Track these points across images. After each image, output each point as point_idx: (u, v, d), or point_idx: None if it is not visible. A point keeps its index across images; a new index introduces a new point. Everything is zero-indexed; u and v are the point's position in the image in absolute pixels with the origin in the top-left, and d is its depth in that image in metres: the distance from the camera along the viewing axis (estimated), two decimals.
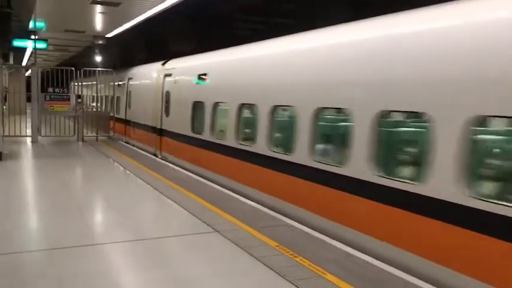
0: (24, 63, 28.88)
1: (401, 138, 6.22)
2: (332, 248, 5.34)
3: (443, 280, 4.45)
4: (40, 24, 15.10)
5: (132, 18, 13.73)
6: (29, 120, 16.06)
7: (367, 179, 5.46)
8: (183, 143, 11.19)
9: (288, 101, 7.34)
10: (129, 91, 16.51)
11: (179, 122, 11.48)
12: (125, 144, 15.84)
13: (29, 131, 15.61)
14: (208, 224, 6.12)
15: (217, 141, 9.42)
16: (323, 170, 6.28)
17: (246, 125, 8.78)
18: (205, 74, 10.27)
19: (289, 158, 7.06)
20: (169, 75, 12.43)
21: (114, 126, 17.55)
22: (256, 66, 8.60)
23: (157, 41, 24.06)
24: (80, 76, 16.51)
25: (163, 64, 13.31)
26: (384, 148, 5.58)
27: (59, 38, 19.47)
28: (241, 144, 8.47)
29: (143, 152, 13.47)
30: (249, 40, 9.31)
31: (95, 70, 17.79)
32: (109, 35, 17.62)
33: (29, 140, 15.28)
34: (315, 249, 5.25)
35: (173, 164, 11.25)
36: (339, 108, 6.43)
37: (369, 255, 5.08)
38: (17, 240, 5.52)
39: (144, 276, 4.53)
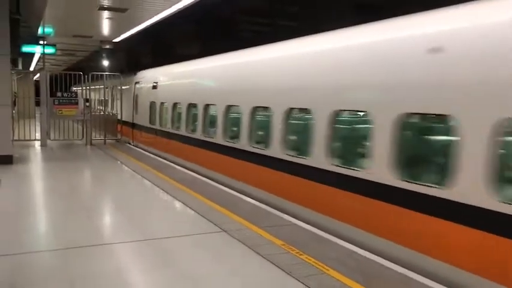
0: (32, 68, 29.21)
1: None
2: (335, 246, 5.47)
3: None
4: (48, 30, 15.34)
5: (139, 23, 13.92)
6: (38, 124, 16.29)
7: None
8: (145, 132, 15.52)
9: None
10: (136, 94, 16.83)
11: (142, 116, 15.86)
12: (132, 147, 16.04)
13: (38, 135, 15.84)
14: (215, 224, 6.27)
15: (162, 129, 13.72)
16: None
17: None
18: (156, 82, 14.64)
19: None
20: (138, 82, 16.79)
21: (121, 130, 17.77)
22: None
23: (164, 44, 24.29)
24: (88, 80, 16.77)
25: (135, 74, 17.51)
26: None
27: (66, 43, 19.72)
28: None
29: (149, 154, 13.67)
30: (253, 42, 9.51)
31: (103, 74, 18.03)
32: (116, 40, 17.84)
33: (38, 143, 15.51)
34: (318, 247, 5.39)
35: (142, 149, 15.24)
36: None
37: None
38: (27, 241, 5.68)
39: (154, 276, 4.66)
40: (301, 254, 5.13)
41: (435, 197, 4.75)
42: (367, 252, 5.23)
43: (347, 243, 5.53)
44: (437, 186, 4.81)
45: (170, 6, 11.12)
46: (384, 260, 5.01)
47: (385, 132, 5.37)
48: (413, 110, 5.18)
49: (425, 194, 4.85)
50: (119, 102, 18.26)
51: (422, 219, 4.88)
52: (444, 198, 4.64)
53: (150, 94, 15.00)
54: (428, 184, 4.90)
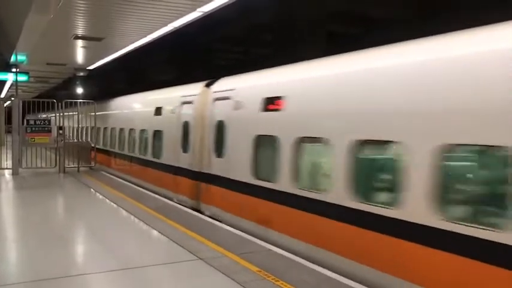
0: (3, 95, 28.81)
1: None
2: (311, 271, 5.55)
3: None
4: (22, 57, 15.25)
5: (115, 52, 14.00)
6: (9, 152, 16.02)
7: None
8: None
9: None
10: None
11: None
12: (107, 174, 15.89)
13: (9, 163, 15.56)
14: (191, 252, 6.28)
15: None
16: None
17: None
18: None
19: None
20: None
21: (95, 157, 17.62)
22: None
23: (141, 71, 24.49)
24: (61, 107, 16.68)
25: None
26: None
27: (40, 71, 19.59)
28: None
29: (123, 182, 13.57)
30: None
31: (76, 102, 17.95)
32: (90, 67, 17.84)
33: (8, 172, 15.22)
34: (295, 273, 5.46)
35: None
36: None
37: None
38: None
39: None
40: (277, 281, 5.20)
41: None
42: (345, 278, 5.31)
43: (324, 269, 5.61)
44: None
45: (145, 36, 11.26)
46: (361, 286, 5.10)
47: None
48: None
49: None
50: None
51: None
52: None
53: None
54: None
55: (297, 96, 7.08)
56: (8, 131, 18.09)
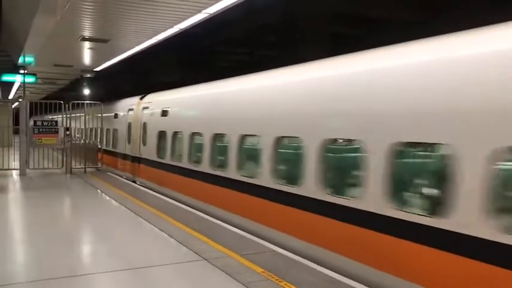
0: (11, 96, 29.03)
1: None
2: (315, 272, 5.57)
3: None
4: (29, 59, 15.39)
5: (121, 53, 14.09)
6: (16, 153, 16.16)
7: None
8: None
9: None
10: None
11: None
12: (112, 175, 15.98)
13: (16, 164, 15.70)
14: (196, 252, 6.32)
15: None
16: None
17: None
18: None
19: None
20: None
21: (102, 158, 17.74)
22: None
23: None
24: (68, 109, 16.80)
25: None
26: None
27: (47, 72, 19.74)
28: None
29: (129, 182, 13.66)
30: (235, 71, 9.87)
31: (83, 103, 18.09)
32: (97, 69, 17.96)
33: (16, 173, 15.35)
34: (298, 274, 5.49)
35: None
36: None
37: None
38: (6, 273, 5.64)
39: None
40: (280, 281, 5.22)
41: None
42: (349, 280, 5.33)
43: (328, 270, 5.63)
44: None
45: (151, 37, 11.33)
46: (365, 287, 5.12)
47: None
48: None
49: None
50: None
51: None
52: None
53: None
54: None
55: (174, 108, 12.10)
56: (16, 132, 18.23)
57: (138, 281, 5.35)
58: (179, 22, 9.61)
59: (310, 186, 6.47)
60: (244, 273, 5.49)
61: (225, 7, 8.33)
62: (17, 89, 25.80)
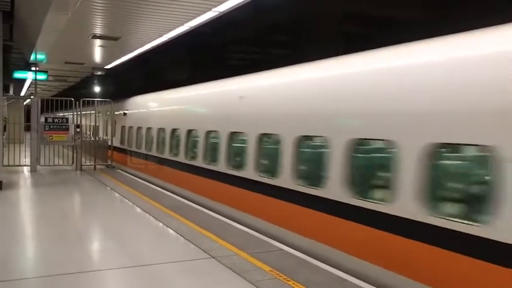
0: (23, 93, 29.28)
1: None
2: (323, 272, 5.55)
3: None
4: (41, 56, 15.50)
5: (132, 51, 14.14)
6: (27, 149, 16.29)
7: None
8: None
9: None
10: None
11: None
12: (122, 172, 16.06)
13: (27, 160, 15.83)
14: (204, 250, 6.33)
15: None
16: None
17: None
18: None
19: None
20: None
21: (112, 155, 17.85)
22: None
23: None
24: (79, 106, 16.91)
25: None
26: None
27: (58, 69, 19.88)
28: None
29: (139, 180, 13.72)
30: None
31: (94, 100, 18.19)
32: (108, 66, 18.05)
33: (27, 169, 15.48)
34: (306, 273, 5.47)
35: None
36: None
37: None
38: (17, 268, 5.71)
39: None
40: (288, 280, 5.20)
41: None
42: (357, 280, 5.29)
43: (336, 270, 5.60)
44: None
45: (162, 35, 11.35)
46: (372, 287, 5.08)
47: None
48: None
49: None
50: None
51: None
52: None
53: None
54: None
55: (131, 110, 16.61)
56: (27, 129, 18.39)
57: (147, 277, 5.36)
58: (190, 20, 9.61)
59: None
60: (253, 271, 5.49)
61: (235, 5, 8.32)
62: (29, 86, 26.03)
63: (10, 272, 5.44)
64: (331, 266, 5.76)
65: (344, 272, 5.53)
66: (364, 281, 5.24)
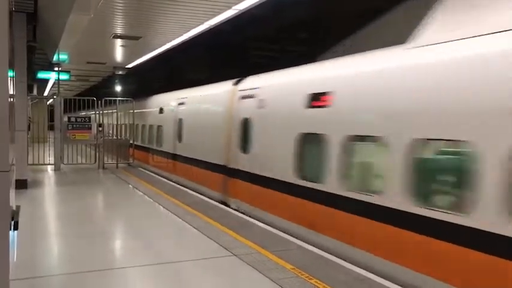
0: (46, 93, 29.79)
1: None
2: (345, 270, 5.52)
3: None
4: (63, 56, 15.73)
5: (152, 50, 14.26)
6: (51, 148, 16.58)
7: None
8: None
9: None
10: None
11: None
12: (144, 170, 16.23)
13: (51, 159, 16.11)
14: (226, 248, 6.36)
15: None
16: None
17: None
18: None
19: None
20: None
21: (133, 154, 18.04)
22: None
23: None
24: (101, 105, 17.14)
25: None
26: None
27: (80, 69, 20.17)
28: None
29: (159, 177, 13.85)
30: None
31: (115, 99, 18.41)
32: (129, 66, 18.24)
33: (51, 168, 15.76)
34: (328, 271, 5.45)
35: None
36: None
37: None
38: (43, 265, 5.82)
39: None
40: (310, 278, 5.19)
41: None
42: (379, 278, 5.26)
43: (358, 268, 5.57)
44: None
45: (182, 34, 11.41)
46: (396, 286, 5.04)
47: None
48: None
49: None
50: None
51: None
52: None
53: None
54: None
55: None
56: (51, 128, 18.72)
57: (170, 275, 5.41)
58: (210, 18, 9.64)
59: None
60: (274, 269, 5.49)
61: (255, 3, 8.31)
62: (52, 86, 26.46)
63: (37, 269, 5.55)
64: (352, 264, 5.73)
65: (365, 269, 5.50)
66: (386, 279, 5.19)
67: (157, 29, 11.11)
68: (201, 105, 12.83)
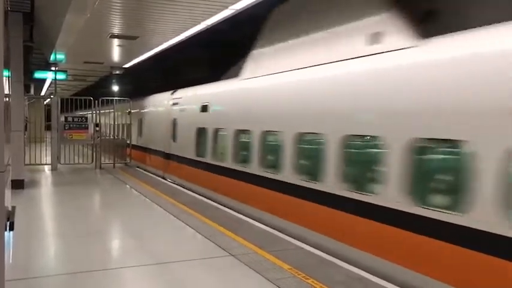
0: (43, 93, 29.70)
1: None
2: (342, 270, 5.52)
3: None
4: (60, 56, 15.69)
5: (149, 50, 14.23)
6: (48, 148, 16.55)
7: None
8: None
9: None
10: None
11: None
12: (141, 170, 16.21)
13: (48, 159, 16.07)
14: (223, 248, 6.35)
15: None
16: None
17: None
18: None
19: None
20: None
21: (130, 153, 18.02)
22: None
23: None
24: (98, 105, 17.11)
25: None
26: None
27: (77, 69, 20.11)
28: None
29: (157, 177, 13.84)
30: None
31: (112, 99, 18.38)
32: (126, 66, 18.20)
33: (48, 168, 15.72)
34: (325, 271, 5.45)
35: None
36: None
37: None
38: (38, 266, 5.80)
39: None
40: (307, 278, 5.19)
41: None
42: (376, 277, 5.26)
43: (355, 268, 5.57)
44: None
45: (179, 34, 11.39)
46: (393, 285, 5.04)
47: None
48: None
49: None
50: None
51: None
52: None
53: None
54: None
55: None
56: (48, 128, 18.69)
57: (167, 275, 5.40)
58: (206, 18, 9.63)
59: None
60: (271, 269, 5.49)
61: (251, 3, 8.29)
62: (49, 86, 26.38)
63: (32, 270, 5.53)
64: (350, 264, 5.73)
65: (363, 270, 5.50)
66: (384, 279, 5.20)
67: (154, 28, 11.08)
68: (154, 107, 17.00)
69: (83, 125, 16.35)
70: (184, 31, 11.03)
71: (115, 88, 27.36)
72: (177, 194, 10.97)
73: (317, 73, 7.38)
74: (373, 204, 5.74)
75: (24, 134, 15.24)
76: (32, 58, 18.54)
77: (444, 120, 4.92)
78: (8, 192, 3.49)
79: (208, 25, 10.20)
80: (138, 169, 16.55)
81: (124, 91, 26.06)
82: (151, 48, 13.89)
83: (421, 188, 5.30)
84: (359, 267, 5.57)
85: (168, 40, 12.30)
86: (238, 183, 9.47)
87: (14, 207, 3.22)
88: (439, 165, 5.52)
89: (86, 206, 9.92)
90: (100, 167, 16.39)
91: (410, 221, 5.17)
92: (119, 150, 17.74)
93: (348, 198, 6.15)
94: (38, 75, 18.11)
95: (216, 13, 9.15)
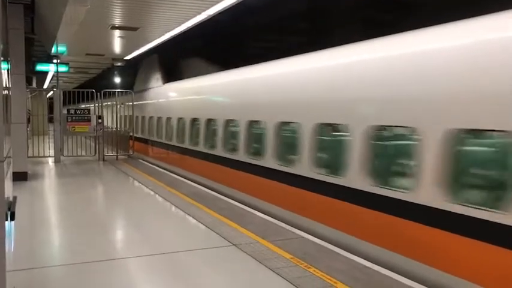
0: (45, 86, 29.72)
1: None
2: (343, 258, 5.54)
3: None
4: (62, 48, 15.66)
5: (150, 41, 14.19)
6: (51, 140, 16.59)
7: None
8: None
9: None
10: None
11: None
12: (144, 162, 16.24)
13: (51, 152, 16.12)
14: (225, 238, 6.37)
15: None
16: None
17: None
18: None
19: None
20: None
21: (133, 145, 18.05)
22: None
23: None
24: (100, 97, 17.11)
25: None
26: None
27: (79, 61, 20.09)
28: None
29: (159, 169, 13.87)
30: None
31: (115, 91, 18.37)
32: (128, 57, 18.16)
33: (51, 160, 15.77)
34: (327, 260, 5.46)
35: None
36: None
37: None
38: (42, 256, 5.84)
39: None
40: (309, 267, 5.21)
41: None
42: (378, 267, 5.27)
43: (357, 257, 5.59)
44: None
45: (180, 25, 11.34)
46: (396, 274, 5.04)
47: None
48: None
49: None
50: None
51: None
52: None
53: None
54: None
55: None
56: (50, 121, 18.72)
57: (170, 265, 5.42)
58: (208, 8, 9.57)
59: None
60: (273, 259, 5.50)
61: None
62: (51, 79, 26.39)
63: (36, 260, 5.57)
64: (351, 253, 5.74)
65: (365, 259, 5.51)
66: (386, 268, 5.20)
67: (154, 19, 11.03)
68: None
69: (86, 117, 16.36)
70: (186, 21, 10.98)
71: (117, 80, 27.32)
72: (178, 184, 10.99)
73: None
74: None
75: (27, 127, 15.26)
76: (33, 51, 18.54)
77: None
78: (9, 183, 3.50)
79: (210, 15, 10.15)
80: (141, 161, 16.58)
81: (126, 83, 26.05)
82: (153, 40, 13.84)
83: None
84: (363, 257, 5.59)
85: (169, 31, 12.25)
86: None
87: (15, 198, 3.24)
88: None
89: (89, 197, 9.96)
90: (103, 159, 16.43)
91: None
92: (121, 142, 17.76)
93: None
94: (40, 67, 18.11)
95: (218, 2, 9.09)
